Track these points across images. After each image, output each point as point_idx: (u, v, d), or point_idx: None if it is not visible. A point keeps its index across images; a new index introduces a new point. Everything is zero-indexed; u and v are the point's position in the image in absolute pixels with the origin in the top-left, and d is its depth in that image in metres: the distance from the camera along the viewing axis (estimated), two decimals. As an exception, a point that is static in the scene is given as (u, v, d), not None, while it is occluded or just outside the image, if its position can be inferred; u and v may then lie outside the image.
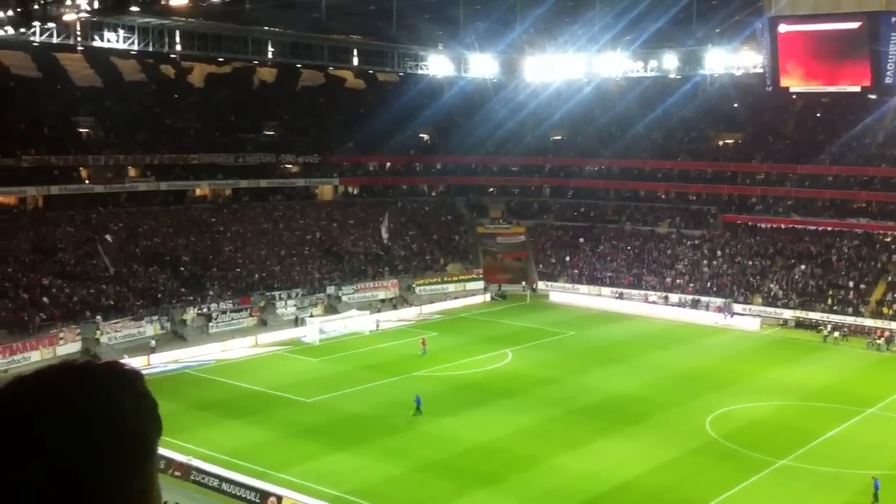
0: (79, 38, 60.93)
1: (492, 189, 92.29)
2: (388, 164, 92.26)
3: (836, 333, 61.93)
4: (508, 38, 79.11)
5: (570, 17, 77.30)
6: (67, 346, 53.65)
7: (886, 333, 60.78)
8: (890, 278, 67.04)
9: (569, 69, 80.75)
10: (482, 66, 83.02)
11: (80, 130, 76.04)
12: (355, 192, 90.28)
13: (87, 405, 1.75)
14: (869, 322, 63.43)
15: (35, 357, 51.65)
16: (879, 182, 74.31)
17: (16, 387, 1.76)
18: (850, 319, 64.30)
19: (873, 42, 60.16)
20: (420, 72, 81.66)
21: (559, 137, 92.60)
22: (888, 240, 71.07)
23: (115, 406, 1.79)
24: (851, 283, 67.64)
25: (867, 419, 44.00)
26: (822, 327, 63.07)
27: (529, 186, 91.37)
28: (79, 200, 69.73)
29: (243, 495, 34.11)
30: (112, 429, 1.76)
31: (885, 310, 64.13)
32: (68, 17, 58.25)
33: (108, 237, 66.76)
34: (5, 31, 57.93)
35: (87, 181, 72.23)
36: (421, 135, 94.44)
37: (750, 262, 73.17)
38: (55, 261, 62.08)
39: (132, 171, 75.74)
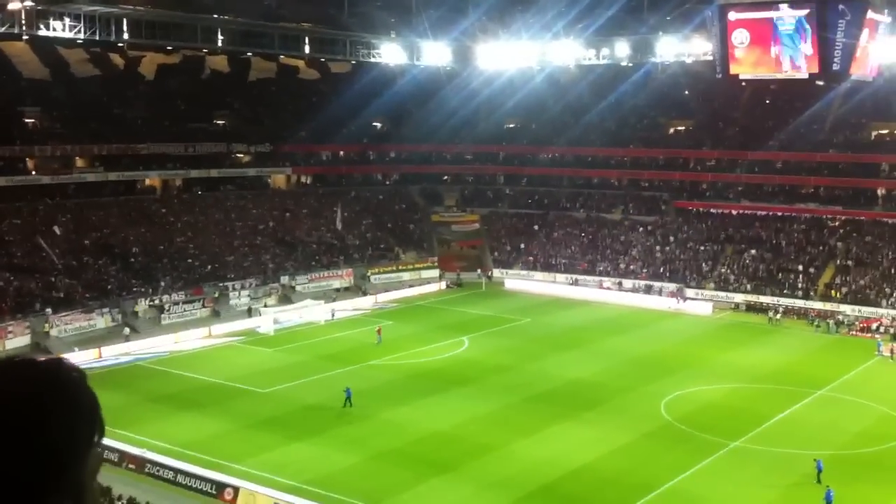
0: (24, 27, 59.62)
1: (446, 177, 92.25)
2: (342, 152, 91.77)
3: (778, 315, 63.08)
4: (461, 26, 78.93)
5: (522, 4, 77.42)
6: (16, 339, 52.67)
7: (828, 317, 62.02)
8: (838, 262, 68.22)
9: (522, 57, 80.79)
10: (435, 54, 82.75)
11: (26, 121, 74.54)
12: (308, 181, 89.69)
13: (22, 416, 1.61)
14: (818, 305, 64.52)
15: (-17, 351, 50.63)
16: (827, 168, 75.56)
17: None
18: (800, 303, 65.35)
19: (821, 29, 60.94)
20: (373, 60, 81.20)
21: (513, 125, 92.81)
22: (836, 224, 72.34)
23: (28, 423, 1.62)
24: (801, 268, 68.72)
25: (818, 401, 44.76)
26: (770, 311, 64.10)
27: (484, 174, 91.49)
28: (25, 192, 68.34)
29: (199, 487, 33.79)
30: (19, 449, 1.59)
31: (833, 293, 65.26)
32: (13, 5, 56.96)
33: (56, 229, 65.62)
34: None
35: (33, 172, 70.85)
36: (374, 123, 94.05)
37: (702, 248, 74.02)
38: (2, 253, 60.86)
39: (80, 162, 74.47)
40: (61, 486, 1.62)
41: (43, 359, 1.78)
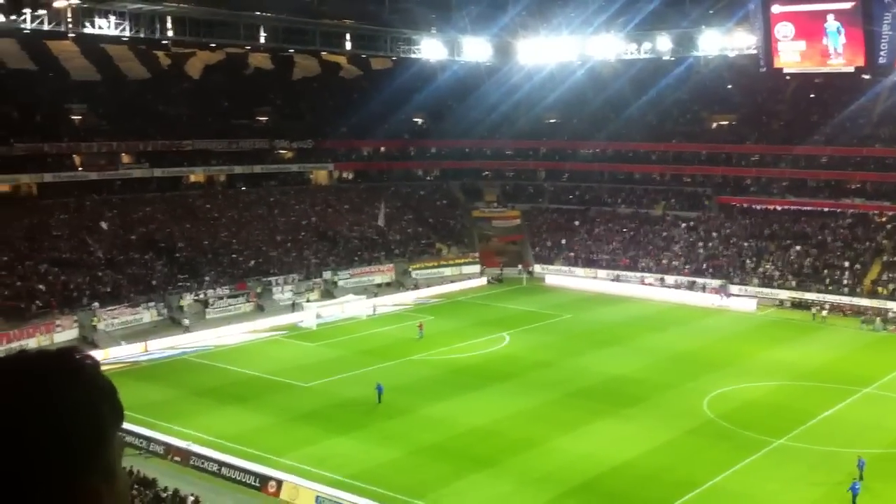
0: (70, 25, 60.57)
1: (486, 173, 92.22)
2: (383, 148, 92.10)
3: (824, 312, 62.30)
4: (502, 22, 78.87)
5: (563, -1, 77.13)
6: (64, 333, 53.69)
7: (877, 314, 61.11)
8: (885, 258, 67.22)
9: (562, 52, 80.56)
10: (475, 49, 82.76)
11: (73, 118, 75.78)
12: (350, 177, 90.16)
13: (16, 403, 1.65)
14: (865, 302, 63.64)
15: (32, 345, 51.60)
16: (874, 162, 74.40)
17: None
18: (845, 300, 64.52)
19: (867, 22, 60.11)
20: (413, 56, 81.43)
21: (553, 120, 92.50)
22: (883, 220, 71.22)
23: (52, 401, 1.67)
24: (847, 264, 67.80)
25: (863, 399, 44.21)
26: (814, 308, 63.36)
27: (524, 170, 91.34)
28: (73, 188, 69.56)
29: (243, 479, 34.21)
30: (47, 426, 1.65)
31: (880, 290, 64.33)
32: (59, 3, 57.92)
33: (103, 224, 66.66)
34: (-4, 18, 57.61)
35: (80, 168, 72.03)
36: (415, 119, 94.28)
37: (745, 244, 73.29)
38: (50, 248, 61.97)
39: (126, 158, 75.54)
40: (92, 465, 1.67)
41: (55, 349, 1.81)
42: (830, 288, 65.98)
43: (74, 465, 1.65)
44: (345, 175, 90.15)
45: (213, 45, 76.81)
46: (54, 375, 1.70)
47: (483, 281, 75.77)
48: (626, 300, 68.40)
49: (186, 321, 58.14)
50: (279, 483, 33.43)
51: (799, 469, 35.13)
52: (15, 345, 51.08)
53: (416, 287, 72.13)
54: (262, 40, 73.47)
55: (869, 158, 74.80)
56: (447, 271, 76.46)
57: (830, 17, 64.51)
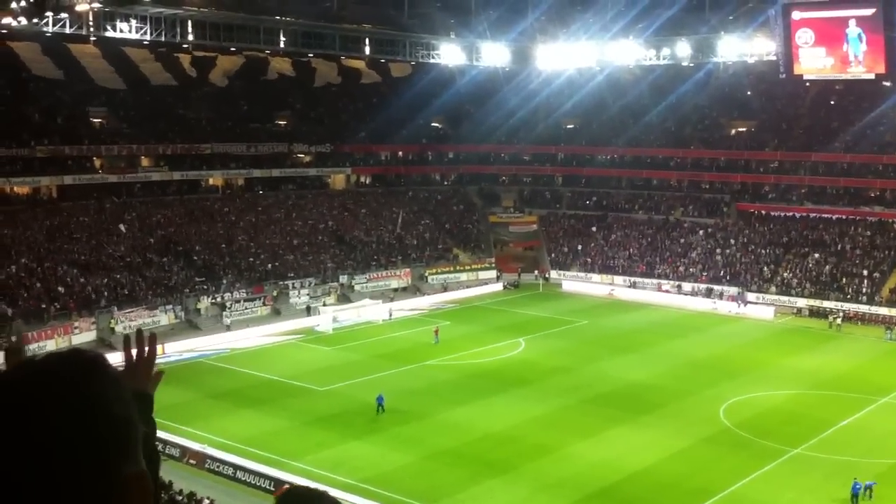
0: (91, 29, 61.03)
1: (504, 178, 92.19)
2: (401, 153, 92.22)
3: (839, 320, 61.90)
4: (520, 27, 78.99)
5: (581, 4, 77.25)
6: (83, 335, 53.98)
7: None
8: (904, 266, 66.74)
9: (581, 57, 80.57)
10: (494, 54, 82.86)
11: (94, 121, 76.25)
12: (367, 181, 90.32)
13: (82, 394, 1.72)
14: (883, 311, 63.21)
15: (51, 346, 51.92)
16: (894, 170, 73.85)
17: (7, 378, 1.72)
18: (864, 308, 64.09)
19: (888, 28, 59.79)
20: (432, 60, 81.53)
21: (571, 126, 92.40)
22: (902, 228, 70.71)
23: (106, 394, 1.76)
24: (865, 272, 67.37)
25: (881, 408, 43.89)
26: (830, 316, 62.97)
27: (541, 175, 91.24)
28: (93, 190, 69.92)
29: (258, 483, 34.28)
30: (107, 416, 1.73)
31: (899, 298, 63.90)
32: (80, 6, 58.35)
33: (122, 227, 67.05)
34: (18, 22, 58.08)
35: (100, 171, 72.42)
36: (433, 124, 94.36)
37: (763, 251, 72.94)
38: (69, 251, 62.36)
39: (145, 161, 75.94)
40: (130, 456, 1.72)
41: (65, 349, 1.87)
42: (849, 296, 65.57)
43: (125, 454, 1.72)
44: (362, 179, 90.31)
45: (233, 48, 77.06)
46: (103, 372, 1.77)
47: (499, 286, 75.72)
48: (643, 306, 68.20)
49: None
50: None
51: (816, 478, 34.91)
52: (34, 346, 51.43)
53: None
54: (282, 44, 73.82)
55: (889, 166, 74.23)
56: (463, 276, 76.46)
57: (852, 24, 64.25)
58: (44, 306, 54.90)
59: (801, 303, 66.53)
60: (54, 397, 1.69)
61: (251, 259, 68.66)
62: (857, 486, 31.89)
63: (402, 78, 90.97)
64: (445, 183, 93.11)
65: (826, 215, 74.37)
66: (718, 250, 74.68)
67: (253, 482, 34.49)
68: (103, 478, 1.68)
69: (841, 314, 63.01)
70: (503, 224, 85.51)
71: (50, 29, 59.27)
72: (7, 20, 57.90)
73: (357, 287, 69.68)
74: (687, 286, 71.73)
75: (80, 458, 1.67)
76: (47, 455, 1.64)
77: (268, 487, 33.98)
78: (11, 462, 1.62)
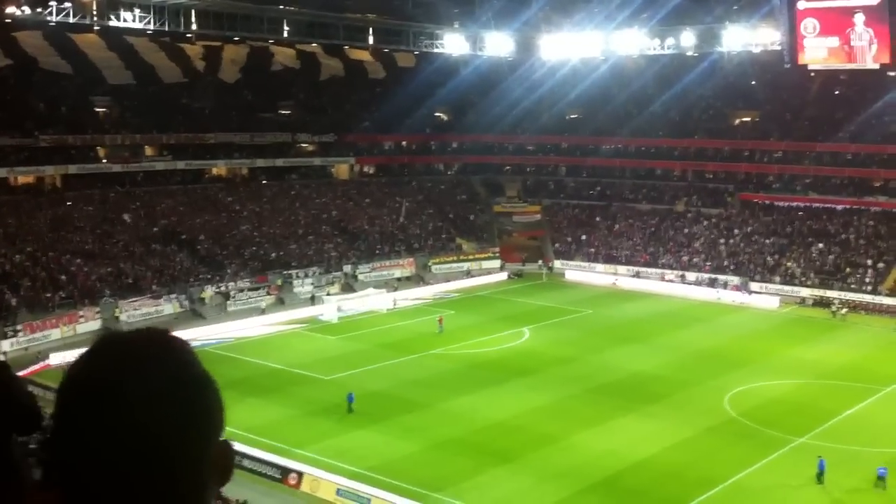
0: (95, 18, 60.98)
1: (508, 168, 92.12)
2: (405, 143, 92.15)
3: (844, 310, 61.82)
4: (524, 16, 78.81)
5: (586, -6, 76.91)
6: (87, 324, 54.07)
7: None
8: (909, 257, 66.65)
9: (585, 47, 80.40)
10: (498, 44, 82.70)
11: (98, 110, 76.24)
12: (371, 171, 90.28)
13: (188, 371, 1.85)
14: (887, 301, 63.16)
15: (55, 335, 52.10)
16: (898, 160, 73.72)
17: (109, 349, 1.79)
18: (867, 298, 64.04)
19: (894, 18, 59.60)
20: (436, 50, 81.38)
21: (575, 116, 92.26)
22: (907, 218, 70.58)
23: (201, 368, 1.90)
24: (870, 262, 67.29)
25: (886, 397, 43.86)
26: (833, 306, 62.92)
27: (545, 165, 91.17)
28: (97, 180, 70.02)
29: (264, 471, 34.34)
30: (211, 387, 1.90)
31: (903, 288, 63.83)
32: (84, -5, 58.38)
33: (126, 216, 67.10)
34: (22, 12, 58.05)
35: (104, 161, 72.46)
36: (437, 114, 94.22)
37: (767, 241, 72.86)
38: (74, 240, 62.44)
39: (149, 151, 75.98)
40: (220, 426, 1.86)
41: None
42: (853, 286, 65.51)
43: (216, 425, 1.87)
44: (366, 169, 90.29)
45: (237, 38, 76.83)
46: (183, 346, 1.90)
47: (503, 276, 75.74)
48: (647, 296, 68.19)
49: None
50: (300, 475, 33.59)
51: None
52: (38, 334, 51.58)
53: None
54: (286, 34, 73.70)
55: (894, 156, 74.04)
56: (467, 266, 76.46)
57: (857, 14, 64.03)
58: (48, 295, 55.05)
59: (805, 293, 66.48)
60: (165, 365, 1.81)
61: (255, 248, 68.71)
62: (823, 464, 32.85)
63: (406, 68, 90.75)
64: (449, 173, 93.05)
65: (830, 205, 74.23)
66: (722, 240, 74.61)
67: (258, 470, 34.52)
68: (204, 446, 1.80)
69: (844, 305, 62.89)
70: (507, 214, 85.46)
71: (54, 18, 59.22)
72: (11, 9, 57.87)
73: (361, 276, 69.73)
74: (691, 276, 71.69)
75: (195, 424, 1.80)
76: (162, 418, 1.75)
77: (274, 475, 34.08)
78: (133, 419, 1.71)
